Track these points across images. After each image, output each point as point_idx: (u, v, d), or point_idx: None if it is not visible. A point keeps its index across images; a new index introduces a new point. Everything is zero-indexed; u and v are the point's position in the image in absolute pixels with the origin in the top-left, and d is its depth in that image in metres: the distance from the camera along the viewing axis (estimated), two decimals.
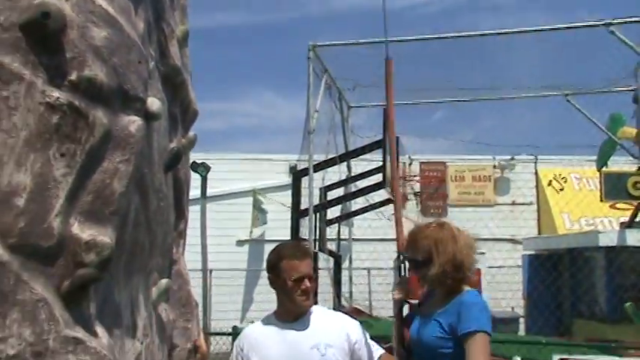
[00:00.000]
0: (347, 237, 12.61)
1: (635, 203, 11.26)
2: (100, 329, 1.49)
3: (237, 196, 15.17)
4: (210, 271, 13.55)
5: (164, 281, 2.12)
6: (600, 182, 11.53)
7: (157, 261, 2.10)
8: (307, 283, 2.81)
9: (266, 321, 2.91)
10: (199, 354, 2.64)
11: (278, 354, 2.78)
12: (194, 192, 15.05)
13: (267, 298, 13.78)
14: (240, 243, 15.26)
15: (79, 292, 1.42)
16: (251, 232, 15.11)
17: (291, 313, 2.84)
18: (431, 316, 2.64)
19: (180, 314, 2.47)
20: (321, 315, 2.89)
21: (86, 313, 1.46)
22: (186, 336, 2.46)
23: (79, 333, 1.41)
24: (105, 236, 1.46)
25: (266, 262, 2.95)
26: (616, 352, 5.37)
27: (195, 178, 12.47)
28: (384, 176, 8.57)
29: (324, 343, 2.77)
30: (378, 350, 2.92)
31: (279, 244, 3.00)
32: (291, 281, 2.78)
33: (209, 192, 14.39)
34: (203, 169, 12.66)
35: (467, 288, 2.67)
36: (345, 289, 11.15)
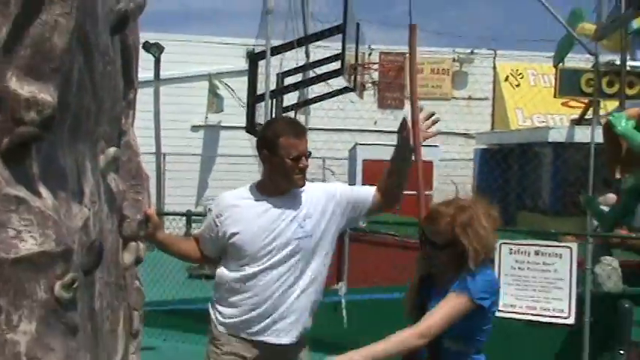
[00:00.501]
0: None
1: (587, 100, 11.47)
2: (44, 190, 1.45)
3: (192, 80, 14.84)
4: (164, 155, 13.48)
5: (112, 150, 2.06)
6: (556, 78, 11.64)
7: (104, 129, 2.03)
8: (305, 161, 2.76)
9: (247, 193, 2.84)
10: (151, 224, 2.63)
11: (258, 226, 2.75)
12: (147, 74, 14.78)
13: (221, 184, 14.02)
14: (195, 128, 15.11)
15: (19, 150, 1.37)
16: (206, 117, 14.93)
17: (280, 189, 2.80)
18: (447, 290, 2.43)
19: (131, 186, 2.43)
20: (303, 188, 2.85)
21: (29, 172, 1.41)
22: (136, 208, 2.43)
23: (21, 192, 1.36)
24: (46, 94, 1.39)
25: (260, 137, 2.88)
26: (555, 238, 5.63)
27: (148, 60, 12.14)
28: (343, 63, 8.44)
29: (302, 215, 2.77)
30: (369, 188, 2.94)
31: (273, 119, 2.90)
32: (290, 159, 2.72)
33: (163, 75, 14.07)
34: (156, 49, 12.25)
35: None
36: None
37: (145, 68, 12.84)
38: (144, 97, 14.00)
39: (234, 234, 2.76)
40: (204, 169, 14.92)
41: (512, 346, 5.30)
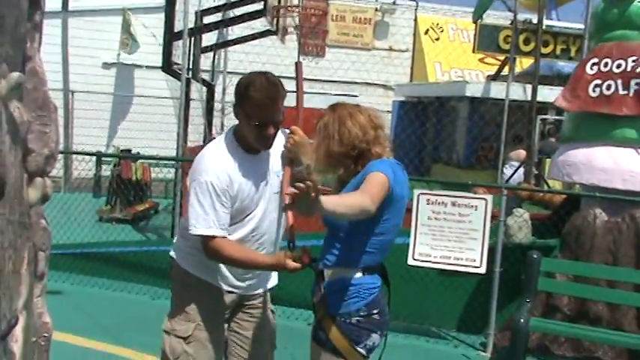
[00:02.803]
0: (222, 69, 12.23)
1: (504, 57, 11.71)
2: None
3: (104, 13, 14.01)
4: (72, 92, 12.78)
5: (15, 74, 1.83)
6: (475, 34, 11.79)
7: (6, 50, 1.80)
8: (271, 130, 2.56)
9: (232, 152, 2.62)
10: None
11: (250, 188, 2.61)
12: (54, 4, 13.89)
13: (135, 126, 13.42)
14: (106, 66, 14.36)
15: None
16: (119, 54, 14.21)
17: (252, 148, 2.64)
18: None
19: (37, 117, 2.20)
20: (279, 139, 2.70)
21: None
22: (43, 141, 2.21)
23: None
24: None
25: (235, 88, 2.61)
26: (468, 189, 5.74)
27: None
28: (266, 4, 8.16)
29: (278, 168, 2.71)
30: None
31: (253, 73, 2.58)
32: (254, 125, 2.54)
33: (72, 6, 13.22)
34: None
35: (380, 159, 2.46)
36: (217, 121, 10.97)
37: None
38: (51, 30, 13.15)
39: (235, 202, 2.61)
40: (117, 109, 14.25)
41: (425, 294, 5.43)
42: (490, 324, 5.14)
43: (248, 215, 2.63)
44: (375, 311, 2.36)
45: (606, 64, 5.37)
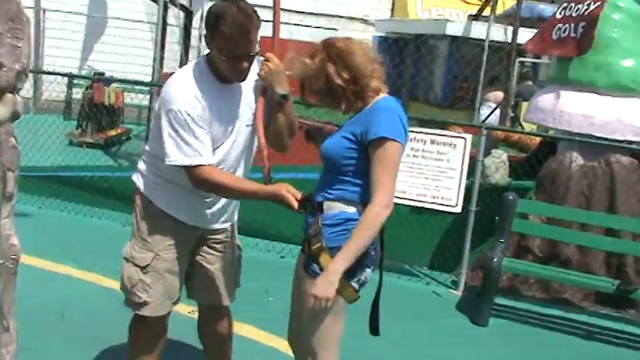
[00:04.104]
0: None
1: None
2: None
3: None
4: (44, 10, 12.22)
5: None
6: None
7: None
8: (244, 63, 2.42)
9: (202, 77, 2.49)
10: None
11: (220, 113, 2.48)
12: None
13: (111, 49, 13.03)
14: None
15: None
16: None
17: (225, 78, 2.50)
18: (340, 130, 2.38)
19: (9, 30, 2.06)
20: (253, 69, 2.54)
21: None
22: (15, 55, 2.07)
23: None
24: None
25: (205, 19, 2.45)
26: (446, 128, 5.71)
27: None
28: None
29: (252, 99, 2.59)
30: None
31: (225, 2, 2.39)
32: (225, 57, 2.39)
33: None
34: None
35: (382, 95, 2.37)
36: (195, 44, 10.67)
37: None
38: None
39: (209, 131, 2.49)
40: (91, 31, 13.72)
41: (398, 231, 5.44)
42: (462, 263, 5.19)
43: (217, 147, 2.52)
44: (371, 246, 2.33)
45: (570, 8, 5.45)
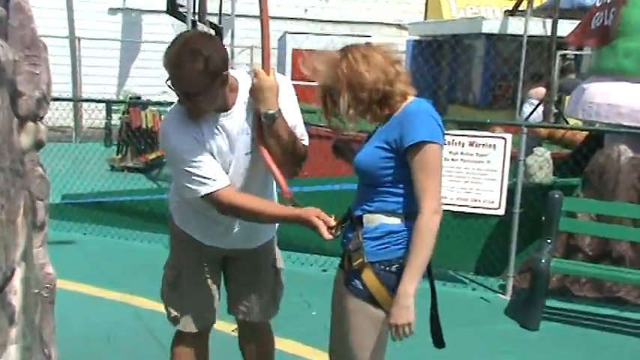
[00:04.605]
0: (230, 12, 11.94)
1: None
2: None
3: None
4: (79, 39, 12.53)
5: None
6: None
7: None
8: (188, 103, 2.31)
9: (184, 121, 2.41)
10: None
11: (215, 145, 2.41)
12: None
13: (146, 73, 13.22)
14: (112, 11, 14.07)
15: None
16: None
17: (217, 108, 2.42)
18: (370, 140, 2.29)
19: (25, 57, 2.05)
20: (244, 90, 2.43)
21: None
22: (33, 83, 2.06)
23: None
24: None
25: None
26: (486, 128, 5.56)
27: None
28: None
29: (249, 126, 2.44)
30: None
31: (180, 35, 2.33)
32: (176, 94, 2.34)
33: None
34: None
35: (410, 98, 2.26)
36: None
37: None
38: None
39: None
40: (126, 56, 14.02)
41: (441, 237, 5.29)
42: (509, 266, 5.03)
43: None
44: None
45: None
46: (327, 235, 2.27)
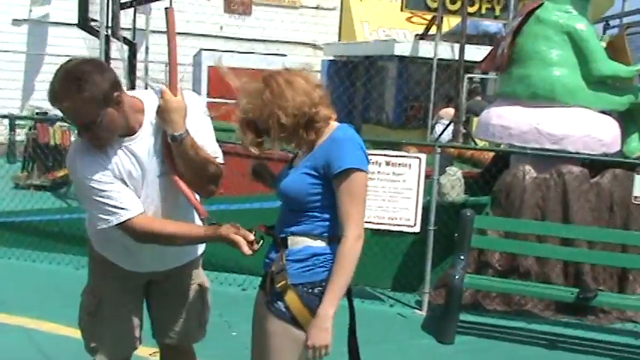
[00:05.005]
0: (144, 27, 11.72)
1: (431, 16, 11.73)
2: None
3: None
4: None
5: None
6: None
7: None
8: (85, 134, 2.22)
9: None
10: None
11: (125, 171, 2.32)
12: None
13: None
14: (16, 22, 13.48)
15: None
16: (30, 10, 13.37)
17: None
18: (297, 166, 2.29)
19: None
20: (151, 111, 2.35)
21: None
22: None
23: None
24: None
25: None
26: (397, 147, 5.74)
27: None
28: None
29: (159, 148, 2.36)
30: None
31: (68, 62, 2.23)
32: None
33: None
34: None
35: (334, 124, 2.28)
36: (140, 82, 10.53)
37: None
38: None
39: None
40: (31, 69, 13.42)
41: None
42: (425, 282, 5.17)
43: None
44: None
45: (508, 25, 5.75)
46: (246, 251, 2.24)
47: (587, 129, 5.24)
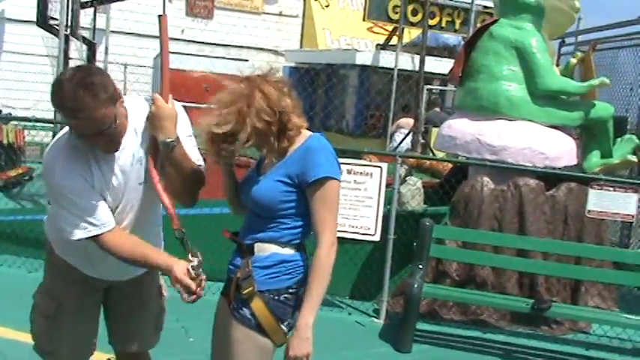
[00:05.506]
0: (104, 27, 11.53)
1: (392, 27, 11.86)
2: None
3: None
4: None
5: None
6: (365, 2, 11.81)
7: None
8: (97, 141, 2.19)
9: (76, 143, 2.25)
10: None
11: (105, 178, 2.28)
12: None
13: (6, 85, 12.36)
14: None
15: None
16: None
17: None
18: (268, 173, 2.26)
19: None
20: (133, 118, 2.31)
21: None
22: None
23: None
24: None
25: None
26: (358, 156, 5.80)
27: None
28: None
29: (143, 154, 2.34)
30: None
31: (71, 69, 2.18)
32: (75, 136, 2.20)
33: None
34: None
35: (306, 133, 2.28)
36: None
37: None
38: None
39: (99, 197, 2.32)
40: None
41: None
42: (383, 290, 5.20)
43: (112, 212, 2.34)
44: (302, 289, 2.26)
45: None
46: (185, 299, 2.26)
47: (527, 142, 5.33)
